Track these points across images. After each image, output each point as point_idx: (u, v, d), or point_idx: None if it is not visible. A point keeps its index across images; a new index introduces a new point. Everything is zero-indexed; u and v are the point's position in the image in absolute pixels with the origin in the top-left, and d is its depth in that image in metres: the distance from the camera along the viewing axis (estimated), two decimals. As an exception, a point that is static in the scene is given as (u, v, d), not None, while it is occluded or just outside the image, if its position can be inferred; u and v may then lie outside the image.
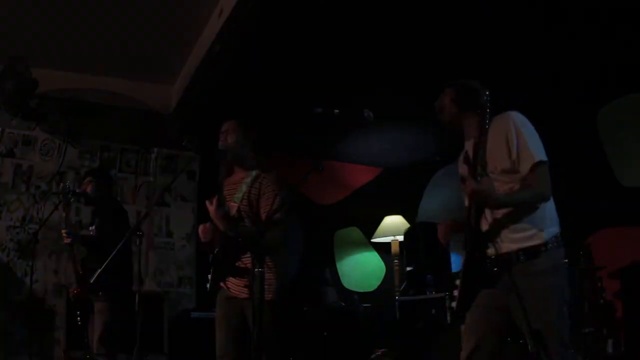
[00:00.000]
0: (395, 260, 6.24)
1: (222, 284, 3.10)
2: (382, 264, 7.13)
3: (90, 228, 4.30)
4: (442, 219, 5.83)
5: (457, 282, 2.53)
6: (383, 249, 6.98)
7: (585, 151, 5.21)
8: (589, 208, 4.93)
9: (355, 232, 7.22)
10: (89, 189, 4.34)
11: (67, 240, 4.08)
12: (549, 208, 2.36)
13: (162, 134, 6.02)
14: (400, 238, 6.37)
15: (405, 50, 4.57)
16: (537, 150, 2.31)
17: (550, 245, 2.28)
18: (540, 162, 2.30)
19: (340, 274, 7.05)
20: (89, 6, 4.65)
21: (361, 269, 7.14)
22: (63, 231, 4.10)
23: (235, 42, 4.47)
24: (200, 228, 3.11)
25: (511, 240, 2.31)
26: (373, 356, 5.50)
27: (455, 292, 2.63)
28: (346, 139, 6.08)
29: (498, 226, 2.33)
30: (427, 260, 5.82)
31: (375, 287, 7.03)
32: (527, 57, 4.54)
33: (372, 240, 6.81)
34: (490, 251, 2.34)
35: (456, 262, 6.25)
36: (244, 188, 3.09)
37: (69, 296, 4.27)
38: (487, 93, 2.42)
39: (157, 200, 5.45)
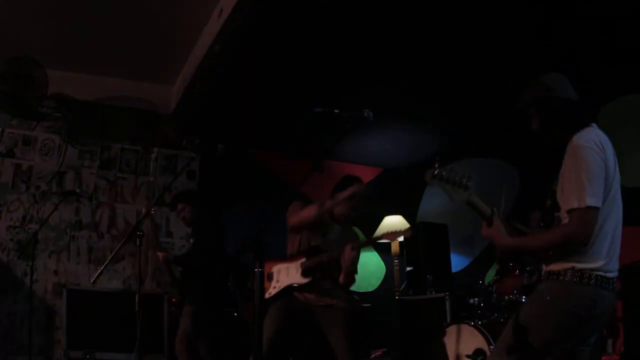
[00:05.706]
0: (395, 260, 6.24)
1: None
2: (382, 264, 7.12)
3: (190, 240, 4.84)
4: (441, 219, 5.87)
5: None
6: (383, 249, 6.97)
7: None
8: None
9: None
10: (185, 215, 4.72)
11: (161, 260, 4.66)
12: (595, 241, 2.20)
13: (162, 134, 6.03)
14: (400, 238, 6.36)
15: (405, 50, 4.57)
16: (576, 195, 2.12)
17: (561, 277, 2.16)
18: (575, 210, 2.11)
19: (340, 274, 7.04)
20: (89, 6, 4.66)
21: (361, 269, 7.11)
22: (159, 253, 4.69)
23: (235, 42, 4.47)
24: None
25: (547, 260, 2.31)
26: (373, 356, 5.50)
27: None
28: (346, 139, 6.07)
29: None
30: (427, 260, 5.81)
31: (375, 287, 7.03)
32: (526, 57, 4.54)
33: (372, 240, 6.81)
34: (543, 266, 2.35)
35: (456, 262, 6.26)
36: None
37: (170, 303, 5.02)
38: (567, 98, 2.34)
39: (157, 200, 5.46)
